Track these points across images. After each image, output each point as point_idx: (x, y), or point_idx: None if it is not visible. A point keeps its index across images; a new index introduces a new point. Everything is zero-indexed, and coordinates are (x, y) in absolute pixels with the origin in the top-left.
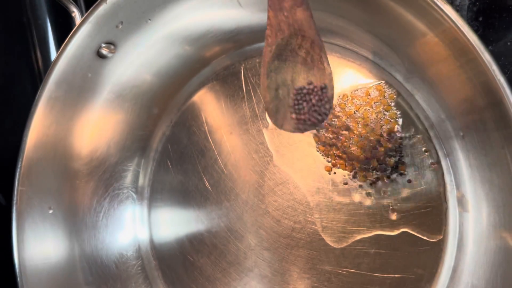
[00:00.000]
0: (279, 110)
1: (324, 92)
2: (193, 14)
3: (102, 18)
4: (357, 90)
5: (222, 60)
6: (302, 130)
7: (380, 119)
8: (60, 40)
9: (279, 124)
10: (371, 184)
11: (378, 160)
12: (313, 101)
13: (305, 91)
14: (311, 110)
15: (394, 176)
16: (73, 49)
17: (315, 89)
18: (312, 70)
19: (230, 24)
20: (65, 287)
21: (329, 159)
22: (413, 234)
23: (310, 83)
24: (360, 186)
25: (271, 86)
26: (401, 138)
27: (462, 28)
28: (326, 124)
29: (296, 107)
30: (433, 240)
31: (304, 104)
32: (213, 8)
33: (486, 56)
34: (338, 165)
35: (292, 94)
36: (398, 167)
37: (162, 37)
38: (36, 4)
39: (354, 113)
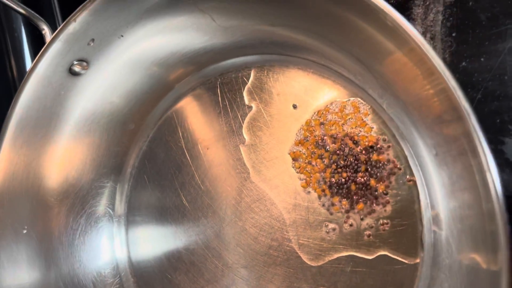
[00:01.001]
0: None
1: None
2: (165, 31)
3: (72, 36)
4: (331, 106)
5: (191, 79)
6: None
7: (355, 135)
8: (36, 53)
9: None
10: (345, 201)
11: (352, 177)
12: None
13: None
14: None
15: (368, 193)
16: (44, 67)
17: None
18: None
19: (203, 42)
20: None
21: (304, 177)
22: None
23: None
24: (334, 204)
25: None
26: (375, 154)
27: (427, 53)
28: (302, 140)
29: None
30: (410, 263)
31: None
32: (186, 24)
33: (452, 83)
34: (311, 185)
35: None
36: (372, 185)
37: (134, 55)
38: (11, 17)
39: (329, 129)
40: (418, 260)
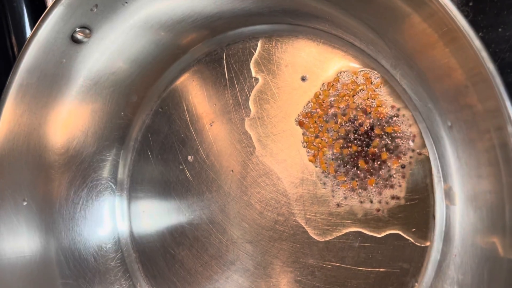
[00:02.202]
0: None
1: None
2: None
3: (75, 1)
4: (342, 77)
5: (202, 46)
6: None
7: (367, 106)
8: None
9: None
10: (354, 176)
11: (362, 151)
12: None
13: None
14: None
15: (379, 167)
16: (45, 33)
17: None
18: None
19: (211, 8)
20: (40, 282)
21: (312, 151)
22: (399, 228)
23: None
24: (342, 179)
25: None
26: (388, 126)
27: (450, 13)
28: (309, 113)
29: None
30: (421, 245)
31: None
32: None
33: (476, 43)
34: (318, 159)
35: None
36: (383, 158)
37: (138, 22)
38: None
39: (339, 101)
40: (429, 235)
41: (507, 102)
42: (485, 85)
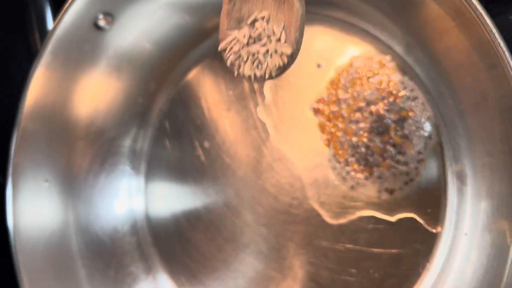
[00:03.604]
0: (236, 48)
1: (286, 33)
2: None
3: None
4: (356, 63)
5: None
6: (258, 78)
7: (382, 90)
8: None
9: (236, 67)
10: (369, 159)
11: (377, 134)
12: (272, 41)
13: (260, 26)
14: (267, 52)
15: (392, 150)
16: (69, 19)
17: (273, 27)
18: (282, 5)
19: None
20: (60, 259)
21: (326, 136)
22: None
23: (268, 20)
24: (357, 162)
25: (232, 15)
26: (403, 111)
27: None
28: (323, 99)
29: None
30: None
31: (259, 44)
32: None
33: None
34: (332, 144)
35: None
36: (397, 142)
37: (161, 6)
38: None
39: (354, 86)
40: (441, 216)
41: None
42: (498, 71)
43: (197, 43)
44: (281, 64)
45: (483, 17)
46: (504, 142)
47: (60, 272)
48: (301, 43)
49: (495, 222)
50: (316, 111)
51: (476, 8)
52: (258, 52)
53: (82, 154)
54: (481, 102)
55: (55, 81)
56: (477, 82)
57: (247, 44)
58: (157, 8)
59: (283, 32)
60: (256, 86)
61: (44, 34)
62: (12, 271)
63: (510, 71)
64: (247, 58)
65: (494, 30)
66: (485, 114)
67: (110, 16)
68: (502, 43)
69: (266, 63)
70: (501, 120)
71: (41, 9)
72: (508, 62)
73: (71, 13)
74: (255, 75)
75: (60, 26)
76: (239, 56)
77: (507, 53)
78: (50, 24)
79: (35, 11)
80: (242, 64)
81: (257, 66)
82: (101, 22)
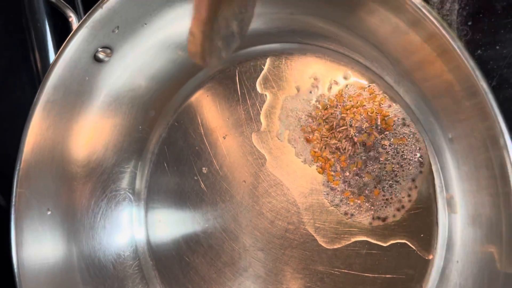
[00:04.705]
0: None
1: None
2: (187, 19)
3: (98, 23)
4: (348, 91)
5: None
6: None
7: (373, 119)
8: (59, 43)
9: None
10: (361, 186)
11: (367, 162)
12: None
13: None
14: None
15: (385, 178)
16: (70, 53)
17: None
18: None
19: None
20: (63, 287)
21: (320, 163)
22: (404, 236)
23: None
24: (349, 189)
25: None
26: (393, 138)
27: (447, 36)
28: (316, 127)
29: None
30: (425, 257)
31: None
32: None
33: (470, 63)
34: (326, 171)
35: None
36: (388, 170)
37: (157, 42)
38: (35, 7)
39: (345, 113)
40: (432, 242)
41: (500, 118)
42: (480, 101)
43: (194, 73)
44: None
45: (461, 50)
46: (489, 169)
47: None
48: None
49: (485, 248)
50: (308, 139)
51: (453, 41)
52: None
53: (84, 182)
54: (466, 130)
55: (56, 113)
56: (460, 111)
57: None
58: (152, 44)
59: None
60: (252, 113)
61: (45, 60)
62: None
63: (490, 100)
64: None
65: (471, 62)
66: (471, 142)
67: (109, 49)
68: (480, 76)
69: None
70: (485, 148)
71: (42, 36)
72: (486, 91)
73: (71, 47)
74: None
75: (61, 60)
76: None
77: (483, 82)
78: (51, 51)
79: (36, 38)
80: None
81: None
82: (101, 55)
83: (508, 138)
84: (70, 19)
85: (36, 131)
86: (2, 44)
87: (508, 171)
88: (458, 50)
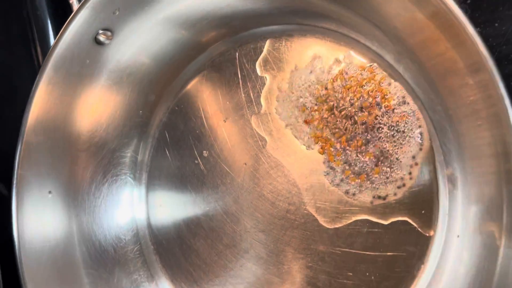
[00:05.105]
0: None
1: None
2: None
3: (99, 4)
4: (348, 71)
5: (217, 46)
6: None
7: (373, 97)
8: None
9: None
10: (362, 166)
11: (369, 141)
12: None
13: None
14: None
15: (385, 157)
16: (70, 35)
17: None
18: None
19: (225, 10)
20: (64, 270)
21: (320, 144)
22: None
23: None
24: (350, 168)
25: None
26: (394, 116)
27: (452, 9)
28: (316, 107)
29: None
30: (426, 233)
31: None
32: None
33: (475, 38)
34: (327, 151)
35: None
36: (389, 149)
37: (158, 22)
38: None
39: (346, 93)
40: (433, 218)
41: (504, 94)
42: (484, 77)
43: (194, 56)
44: None
45: (467, 26)
46: (491, 146)
47: (64, 281)
48: None
49: (485, 224)
50: (307, 121)
51: (460, 18)
52: None
53: (85, 166)
54: (468, 108)
55: (57, 95)
56: (463, 88)
57: None
58: (154, 24)
59: None
60: (253, 96)
61: (46, 49)
62: (17, 280)
63: (495, 76)
64: None
65: (477, 38)
66: (473, 119)
67: (109, 31)
68: (483, 49)
69: None
70: (488, 125)
71: (43, 24)
72: (491, 67)
73: (72, 29)
74: None
75: (61, 42)
76: None
77: (489, 59)
78: (52, 39)
79: (37, 26)
80: None
81: None
82: (101, 37)
83: (511, 115)
84: (70, 1)
85: (37, 112)
86: (2, 34)
87: (510, 148)
88: (464, 25)
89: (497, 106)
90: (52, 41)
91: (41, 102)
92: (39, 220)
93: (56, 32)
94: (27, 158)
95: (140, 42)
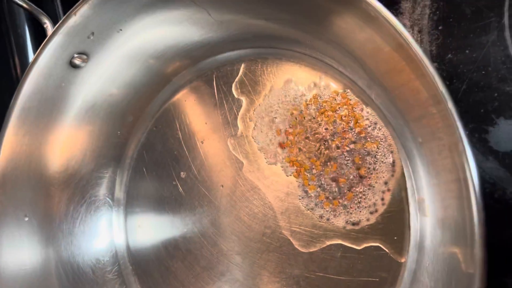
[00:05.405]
0: None
1: None
2: (162, 24)
3: (72, 29)
4: (322, 96)
5: (185, 73)
6: None
7: (346, 123)
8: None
9: None
10: (335, 191)
11: (341, 166)
12: None
13: None
14: None
15: (358, 182)
16: (45, 59)
17: None
18: None
19: (198, 36)
20: None
21: (295, 168)
22: (378, 240)
23: None
24: (324, 193)
25: None
26: (366, 142)
27: (412, 46)
28: (289, 132)
29: None
30: (398, 260)
31: None
32: (182, 18)
33: (431, 70)
34: (301, 175)
35: None
36: (362, 174)
37: (130, 49)
38: (15, 12)
39: (319, 119)
40: (405, 245)
41: (459, 124)
42: (443, 108)
43: (169, 80)
44: None
45: (424, 61)
46: (453, 173)
47: None
48: None
49: (451, 250)
50: (282, 145)
51: (418, 53)
52: None
53: (62, 188)
54: (433, 136)
55: (33, 121)
56: (427, 117)
57: None
58: (129, 49)
59: None
60: (229, 118)
61: (25, 64)
62: None
63: (451, 107)
64: None
65: (434, 73)
66: (436, 146)
67: (85, 54)
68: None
69: None
70: (449, 153)
71: (23, 41)
72: (446, 99)
73: (47, 53)
74: None
75: (36, 66)
76: None
77: (444, 91)
78: (31, 55)
79: (16, 44)
80: None
81: None
82: (77, 61)
83: (466, 143)
84: (45, 25)
85: (12, 138)
86: None
87: (467, 175)
88: (420, 58)
89: (454, 135)
90: (31, 56)
91: (15, 128)
92: (14, 244)
93: (35, 50)
94: (1, 183)
95: (114, 66)
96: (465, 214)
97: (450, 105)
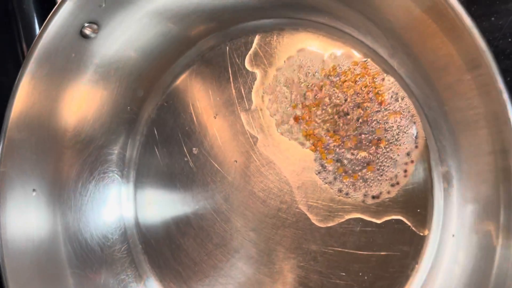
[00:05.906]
0: None
1: None
2: None
3: None
4: (341, 66)
5: (207, 41)
6: None
7: (367, 93)
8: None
9: None
10: (354, 164)
11: (363, 139)
12: None
13: None
14: None
15: (380, 154)
16: (55, 27)
17: None
18: None
19: (214, 4)
20: (48, 270)
21: (312, 141)
22: (399, 213)
23: None
24: (343, 166)
25: None
26: (387, 113)
27: (450, 4)
28: (306, 104)
29: None
30: (420, 233)
31: None
32: None
33: (473, 32)
34: (318, 149)
35: None
36: (382, 145)
37: (146, 15)
38: None
39: (338, 89)
40: (428, 217)
41: (502, 87)
42: (482, 73)
43: (183, 50)
44: None
45: (465, 20)
46: (488, 144)
47: (48, 282)
48: None
49: (481, 224)
50: (297, 118)
51: (458, 10)
52: None
53: (70, 163)
54: (465, 104)
55: (41, 90)
56: (460, 84)
57: None
58: (141, 16)
59: None
60: (243, 92)
61: (31, 43)
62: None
63: (494, 71)
64: None
65: (476, 32)
66: (470, 116)
67: (95, 24)
68: (482, 43)
69: None
70: (486, 122)
71: (28, 17)
72: (490, 63)
73: (56, 22)
74: None
75: (45, 35)
76: None
77: (488, 54)
78: (37, 32)
79: (22, 21)
80: None
81: None
82: (87, 31)
83: (510, 112)
84: None
85: (20, 108)
86: None
87: (509, 145)
88: (461, 18)
89: (496, 102)
90: (37, 33)
91: (24, 97)
92: (23, 219)
93: (41, 25)
94: (9, 155)
95: (127, 35)
96: (499, 189)
97: (494, 68)
